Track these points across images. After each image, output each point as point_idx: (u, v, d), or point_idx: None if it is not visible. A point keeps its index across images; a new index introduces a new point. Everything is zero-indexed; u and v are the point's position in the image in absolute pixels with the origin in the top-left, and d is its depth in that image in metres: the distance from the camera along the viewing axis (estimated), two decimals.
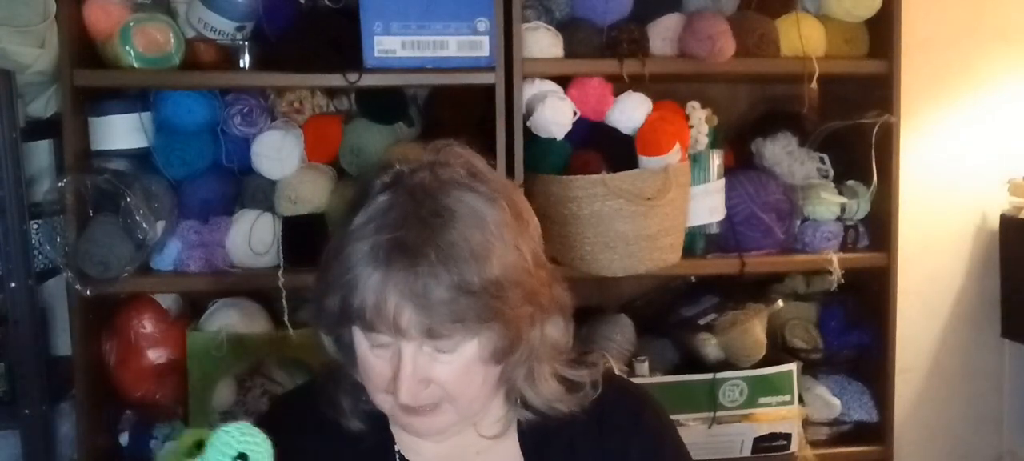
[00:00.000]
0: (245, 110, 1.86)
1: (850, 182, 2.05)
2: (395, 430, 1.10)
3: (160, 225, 1.78)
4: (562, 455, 1.10)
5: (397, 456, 1.10)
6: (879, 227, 2.04)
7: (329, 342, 1.07)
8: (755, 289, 2.10)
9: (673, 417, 1.21)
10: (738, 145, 2.08)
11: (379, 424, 1.09)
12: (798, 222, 2.02)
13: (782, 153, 2.02)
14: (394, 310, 0.94)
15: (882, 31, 1.97)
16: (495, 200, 0.99)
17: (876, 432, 2.07)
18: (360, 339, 1.00)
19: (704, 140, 1.94)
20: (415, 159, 1.03)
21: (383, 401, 1.02)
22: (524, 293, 1.00)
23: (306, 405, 1.12)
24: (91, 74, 1.77)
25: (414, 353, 0.97)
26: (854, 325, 2.09)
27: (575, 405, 1.09)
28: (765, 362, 1.99)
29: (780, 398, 1.98)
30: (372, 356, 1.00)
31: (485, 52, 1.80)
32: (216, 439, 0.82)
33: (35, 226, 1.80)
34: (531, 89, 1.86)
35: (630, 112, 1.87)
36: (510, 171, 1.82)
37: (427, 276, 0.94)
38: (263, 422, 1.06)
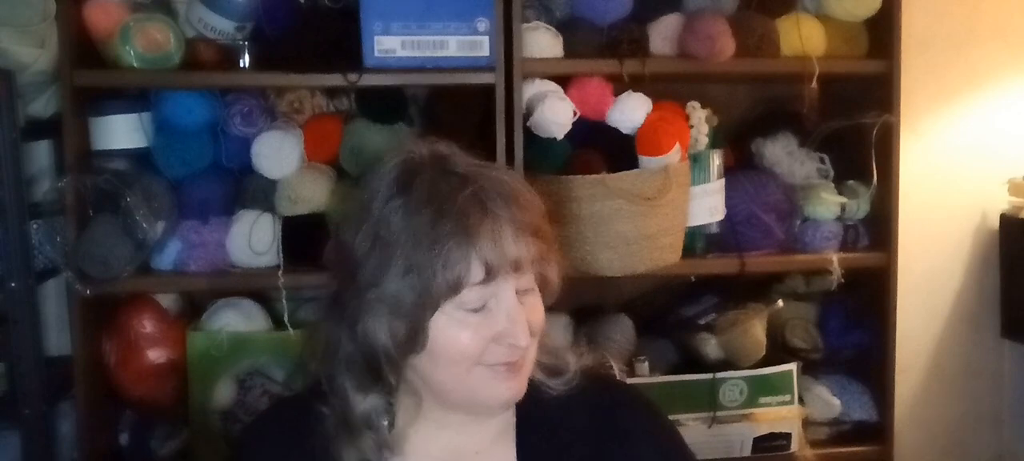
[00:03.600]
0: (245, 110, 1.86)
1: (850, 182, 2.05)
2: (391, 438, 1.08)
3: (160, 225, 1.78)
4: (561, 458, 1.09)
5: None
6: (879, 227, 2.04)
7: (386, 324, 1.01)
8: (755, 289, 2.10)
9: (673, 417, 1.21)
10: (738, 145, 2.08)
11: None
12: (798, 222, 2.02)
13: (782, 153, 2.02)
14: (513, 241, 0.98)
15: (882, 31, 1.97)
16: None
17: (876, 432, 2.06)
18: (446, 320, 0.99)
19: (704, 140, 1.94)
20: (415, 149, 1.05)
21: (457, 374, 1.01)
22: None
23: (296, 417, 1.10)
24: (91, 74, 1.77)
25: (518, 297, 1.01)
26: (854, 325, 2.09)
27: (573, 376, 1.11)
28: (765, 362, 1.99)
29: (780, 398, 1.98)
30: (463, 329, 1.00)
31: (485, 52, 1.80)
32: None
33: (35, 226, 1.79)
34: (531, 89, 1.86)
35: (630, 112, 1.87)
36: None
37: (521, 205, 1.00)
38: (255, 431, 1.09)
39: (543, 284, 1.06)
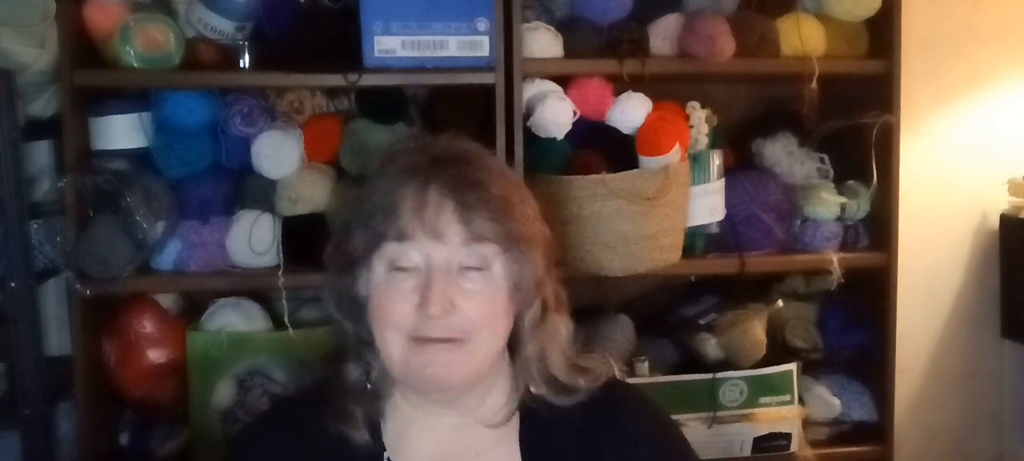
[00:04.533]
0: (245, 110, 1.86)
1: (850, 182, 2.05)
2: (386, 438, 1.08)
3: (160, 225, 1.78)
4: (561, 459, 1.09)
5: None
6: (879, 227, 2.04)
7: (338, 303, 1.06)
8: (755, 289, 2.10)
9: (673, 417, 1.21)
10: (738, 145, 2.08)
11: (374, 433, 1.08)
12: (798, 222, 2.02)
13: (782, 153, 2.02)
14: (435, 209, 0.99)
15: (882, 31, 1.97)
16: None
17: (876, 432, 2.06)
18: (380, 274, 1.01)
19: (704, 140, 1.94)
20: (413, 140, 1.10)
21: (394, 341, 1.01)
22: (544, 242, 1.07)
23: (292, 418, 1.10)
24: (91, 74, 1.77)
25: (445, 266, 1.00)
26: (854, 325, 2.09)
27: (583, 393, 1.09)
28: (765, 362, 1.99)
29: (780, 398, 1.98)
30: (392, 288, 1.01)
31: (485, 52, 1.80)
32: None
33: (35, 226, 1.79)
34: (531, 89, 1.86)
35: (630, 112, 1.87)
36: None
37: (470, 180, 1.00)
38: (250, 433, 1.10)
39: (516, 285, 1.04)
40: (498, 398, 1.10)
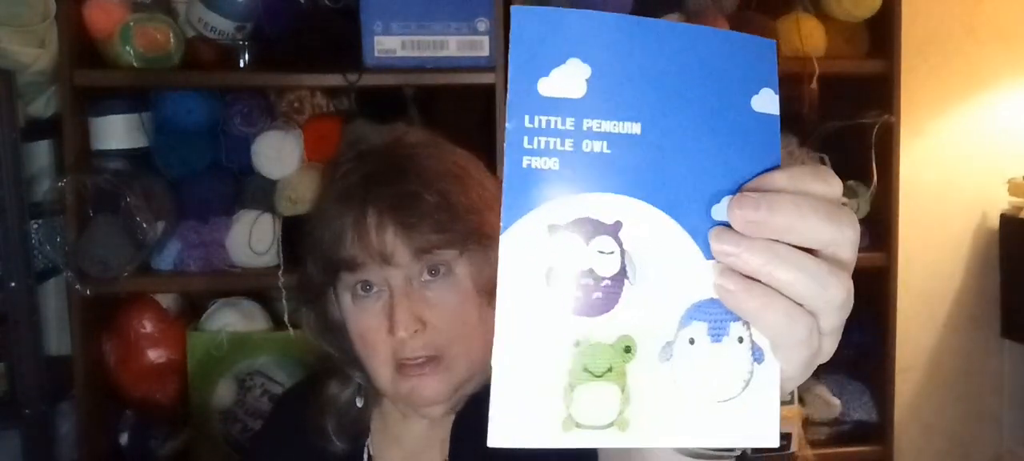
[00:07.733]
0: (245, 110, 1.86)
1: (850, 182, 2.05)
2: (371, 441, 1.07)
3: (160, 225, 1.78)
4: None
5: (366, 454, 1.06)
6: (879, 227, 2.04)
7: (318, 329, 1.04)
8: None
9: None
10: None
11: (356, 442, 1.06)
12: None
13: (782, 153, 2.02)
14: (376, 233, 0.93)
15: (882, 31, 1.97)
16: (458, 150, 1.02)
17: (876, 432, 2.07)
18: (348, 301, 0.97)
19: None
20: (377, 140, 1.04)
21: (380, 370, 0.97)
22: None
23: (297, 415, 1.09)
24: (91, 74, 1.77)
25: (405, 285, 0.95)
26: (854, 325, 2.08)
27: None
28: None
29: None
30: (362, 313, 0.96)
31: (485, 52, 1.80)
32: None
33: (35, 226, 1.79)
34: None
35: None
36: None
37: (406, 194, 0.94)
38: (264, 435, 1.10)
39: (483, 279, 0.98)
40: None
